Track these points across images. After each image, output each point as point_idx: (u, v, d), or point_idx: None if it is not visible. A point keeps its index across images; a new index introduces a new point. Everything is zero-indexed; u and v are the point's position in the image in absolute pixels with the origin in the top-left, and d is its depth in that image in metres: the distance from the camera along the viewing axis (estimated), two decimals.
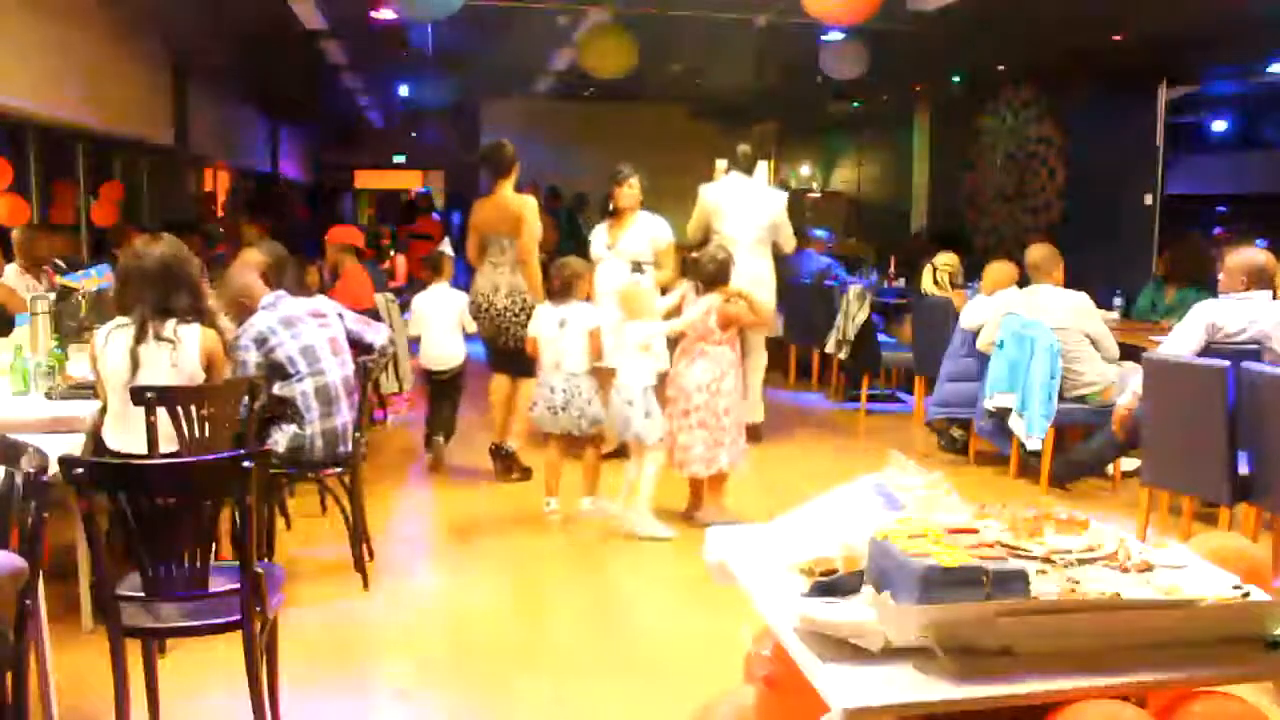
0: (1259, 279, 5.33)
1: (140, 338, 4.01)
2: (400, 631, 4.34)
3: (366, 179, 23.18)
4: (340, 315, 4.96)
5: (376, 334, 5.12)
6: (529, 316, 6.03)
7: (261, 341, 4.66)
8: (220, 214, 14.23)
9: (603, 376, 5.68)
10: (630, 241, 6.63)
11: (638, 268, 6.57)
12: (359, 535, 4.81)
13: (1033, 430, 6.33)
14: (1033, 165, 11.90)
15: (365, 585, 4.70)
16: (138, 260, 4.07)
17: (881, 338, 9.08)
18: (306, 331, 4.73)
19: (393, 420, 8.10)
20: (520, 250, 6.30)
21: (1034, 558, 2.29)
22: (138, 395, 3.92)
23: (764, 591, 2.24)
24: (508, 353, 6.40)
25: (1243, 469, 4.75)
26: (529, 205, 6.30)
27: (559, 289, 5.70)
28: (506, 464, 6.52)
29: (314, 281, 6.33)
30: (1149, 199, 10.12)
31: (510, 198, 6.35)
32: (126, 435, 4.06)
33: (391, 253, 11.18)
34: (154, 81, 10.82)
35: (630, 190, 6.61)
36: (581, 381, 5.58)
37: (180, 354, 4.05)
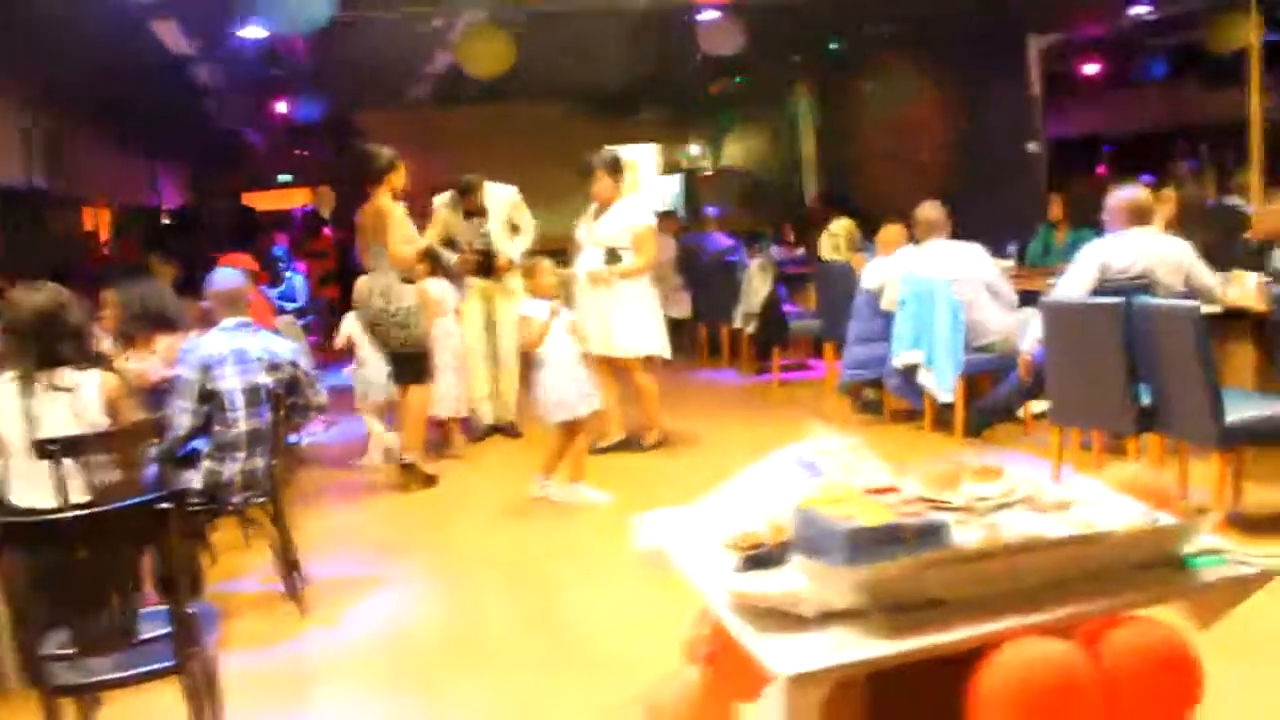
0: (1139, 216, 5.48)
1: (28, 393, 3.90)
2: (342, 654, 4.29)
3: (254, 200, 22.67)
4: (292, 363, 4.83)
5: (315, 393, 5.00)
6: (405, 316, 6.22)
7: (206, 367, 4.58)
8: (106, 253, 13.79)
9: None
10: (605, 229, 6.70)
11: (613, 255, 6.61)
12: (290, 563, 4.74)
13: (942, 383, 6.46)
14: (916, 126, 12.11)
15: (302, 613, 4.64)
16: (13, 312, 3.96)
17: (788, 308, 9.18)
18: (248, 371, 4.65)
19: (308, 441, 7.98)
20: (389, 256, 6.26)
21: (954, 508, 2.35)
22: (41, 448, 3.81)
23: (698, 572, 2.27)
24: (392, 358, 6.41)
25: (1144, 400, 4.91)
26: (390, 211, 6.26)
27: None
28: (403, 476, 6.47)
29: (196, 313, 6.19)
30: (1033, 146, 10.37)
31: (380, 205, 6.29)
32: (32, 492, 3.93)
33: (288, 275, 10.95)
34: (7, 119, 10.42)
35: (595, 183, 6.70)
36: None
37: (80, 401, 3.95)
